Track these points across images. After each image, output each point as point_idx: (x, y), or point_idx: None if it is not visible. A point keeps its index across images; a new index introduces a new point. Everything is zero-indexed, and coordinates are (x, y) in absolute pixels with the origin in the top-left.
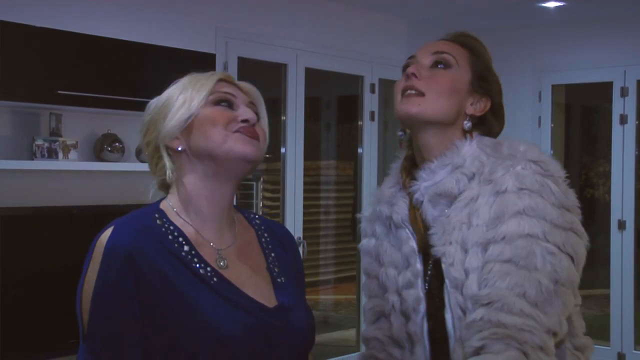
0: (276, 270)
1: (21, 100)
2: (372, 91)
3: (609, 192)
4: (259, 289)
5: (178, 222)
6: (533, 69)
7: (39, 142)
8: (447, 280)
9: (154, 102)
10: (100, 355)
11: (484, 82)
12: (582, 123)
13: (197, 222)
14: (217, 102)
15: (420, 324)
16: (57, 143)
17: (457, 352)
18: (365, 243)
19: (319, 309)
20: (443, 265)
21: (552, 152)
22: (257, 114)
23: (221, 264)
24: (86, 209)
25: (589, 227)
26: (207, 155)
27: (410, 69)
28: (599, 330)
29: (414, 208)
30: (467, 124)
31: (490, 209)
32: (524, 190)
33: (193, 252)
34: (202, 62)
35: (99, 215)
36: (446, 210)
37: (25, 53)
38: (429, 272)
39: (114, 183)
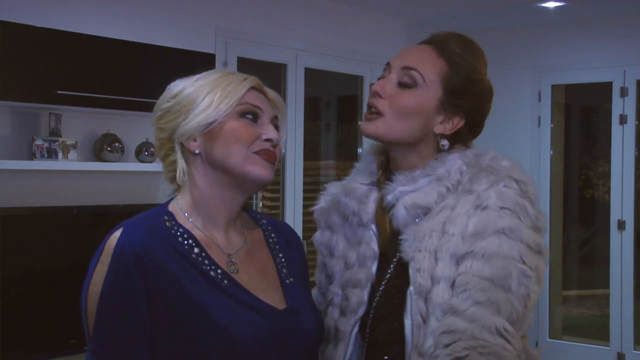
0: (284, 271)
1: (21, 100)
2: None
3: (608, 192)
4: (268, 291)
5: (187, 225)
6: (533, 69)
7: (38, 142)
8: (412, 287)
9: (178, 90)
10: (106, 358)
11: (458, 99)
12: (582, 123)
13: (207, 226)
14: (243, 114)
15: (352, 325)
16: (57, 143)
17: (413, 357)
18: (319, 235)
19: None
20: (410, 271)
21: (551, 152)
22: (277, 126)
23: (232, 269)
24: (86, 209)
25: (589, 227)
26: (222, 168)
27: (375, 87)
28: (599, 330)
29: (383, 209)
30: (444, 143)
31: (469, 221)
32: (504, 209)
33: (203, 254)
34: (201, 62)
35: (99, 216)
36: (417, 220)
37: (25, 53)
38: (389, 274)
39: (114, 183)
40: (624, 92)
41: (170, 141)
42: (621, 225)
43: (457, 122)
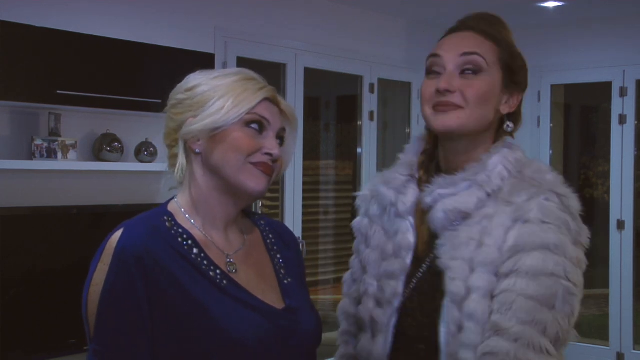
0: (282, 272)
1: (20, 100)
2: (372, 91)
3: (608, 192)
4: (267, 292)
5: (186, 225)
6: (532, 69)
7: (38, 142)
8: (447, 296)
9: (194, 84)
10: (108, 358)
11: (515, 75)
12: (582, 123)
13: (206, 226)
14: (249, 124)
15: (389, 317)
16: (56, 143)
17: None
18: (358, 221)
19: (319, 308)
20: (446, 279)
21: (551, 152)
22: (283, 138)
23: (230, 269)
24: (85, 209)
25: (588, 227)
26: (218, 174)
27: (442, 85)
28: (598, 330)
29: (422, 208)
30: (509, 126)
31: (506, 234)
32: (548, 224)
33: (202, 254)
34: (201, 62)
35: (98, 215)
36: (454, 223)
37: (25, 53)
38: (420, 272)
39: (113, 183)
40: (623, 92)
41: (176, 133)
42: (620, 225)
43: (518, 98)
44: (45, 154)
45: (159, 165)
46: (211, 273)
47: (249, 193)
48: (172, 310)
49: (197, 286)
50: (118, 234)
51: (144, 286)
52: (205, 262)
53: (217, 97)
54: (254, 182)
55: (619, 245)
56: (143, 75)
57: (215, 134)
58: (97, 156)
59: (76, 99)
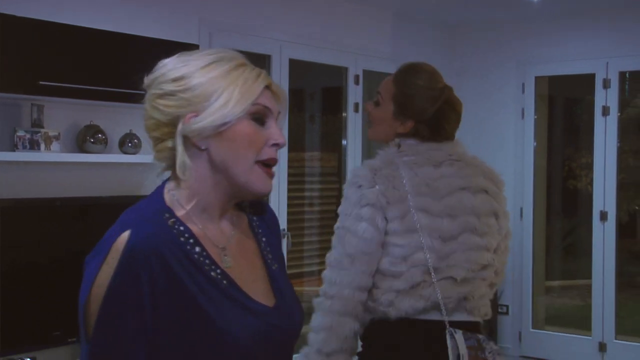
0: (269, 256)
1: (2, 91)
2: (357, 82)
3: (591, 183)
4: (258, 283)
5: (185, 220)
6: (516, 61)
7: (20, 133)
8: None
9: (181, 74)
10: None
11: (404, 109)
12: (565, 115)
13: (203, 220)
14: (254, 115)
15: None
16: (39, 134)
17: None
18: None
19: (304, 300)
20: None
21: (535, 143)
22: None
23: (225, 259)
24: (69, 200)
25: (571, 218)
26: (225, 171)
27: (366, 106)
28: (581, 320)
29: None
30: (396, 140)
31: None
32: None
33: (204, 253)
34: None
35: (82, 207)
36: None
37: (6, 43)
38: None
39: (97, 175)
40: (606, 84)
41: (169, 126)
42: (603, 216)
43: (409, 124)
44: (28, 146)
45: (143, 157)
46: (212, 273)
47: (255, 194)
48: (175, 312)
49: (199, 288)
50: (126, 235)
51: (150, 289)
52: (206, 262)
53: (220, 91)
54: (260, 185)
55: (602, 236)
56: (127, 66)
57: (221, 130)
58: (81, 148)
59: (59, 90)
